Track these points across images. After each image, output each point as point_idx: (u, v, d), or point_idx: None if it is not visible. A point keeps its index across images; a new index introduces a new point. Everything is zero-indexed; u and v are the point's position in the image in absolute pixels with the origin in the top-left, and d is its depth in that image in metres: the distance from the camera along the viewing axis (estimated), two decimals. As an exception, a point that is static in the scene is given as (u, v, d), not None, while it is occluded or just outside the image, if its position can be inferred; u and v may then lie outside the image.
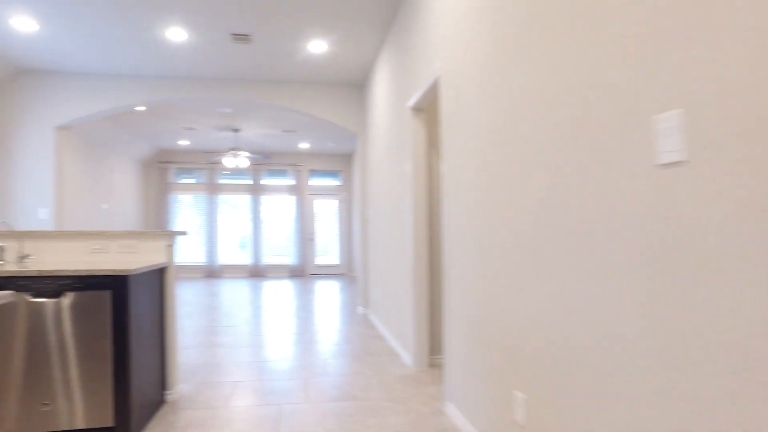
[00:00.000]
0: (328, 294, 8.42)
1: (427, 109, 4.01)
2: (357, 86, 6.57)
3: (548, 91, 1.74)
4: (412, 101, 3.76)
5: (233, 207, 12.05)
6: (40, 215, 5.94)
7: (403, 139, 4.15)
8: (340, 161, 12.23)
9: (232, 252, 11.97)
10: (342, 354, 4.30)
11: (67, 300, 2.42)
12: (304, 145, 10.92)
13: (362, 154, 6.52)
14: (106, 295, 2.44)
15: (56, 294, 2.42)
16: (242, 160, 9.35)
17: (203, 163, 11.79)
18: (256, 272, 11.77)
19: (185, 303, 7.41)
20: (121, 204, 10.12)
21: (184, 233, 3.31)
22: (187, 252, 11.79)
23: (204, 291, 8.92)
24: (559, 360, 1.68)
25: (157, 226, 11.62)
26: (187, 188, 11.82)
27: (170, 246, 3.14)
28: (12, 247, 3.02)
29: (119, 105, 6.10)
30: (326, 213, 12.29)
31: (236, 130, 9.25)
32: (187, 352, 4.34)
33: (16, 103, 5.99)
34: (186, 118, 8.29)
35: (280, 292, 8.64)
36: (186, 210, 11.87)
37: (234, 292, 8.67)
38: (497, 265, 2.18)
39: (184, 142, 10.59)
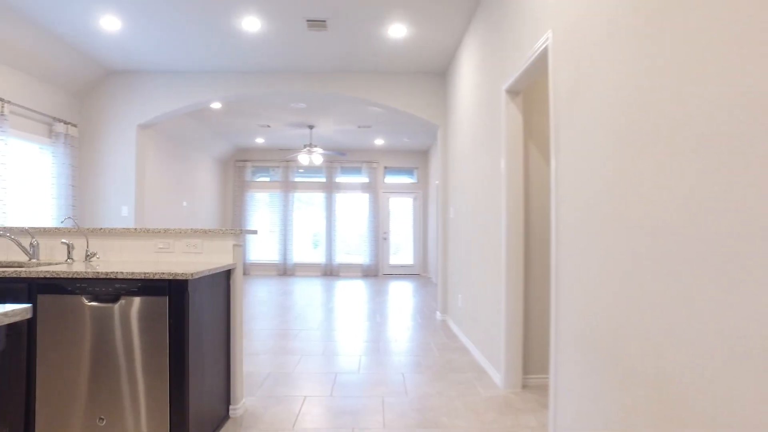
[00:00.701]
0: (403, 296, 8.03)
1: (525, 92, 3.48)
2: (438, 74, 6.11)
3: (750, 51, 1.19)
4: (507, 83, 3.25)
5: (307, 205, 12.00)
6: (123, 212, 6.01)
7: (495, 129, 3.64)
8: (416, 158, 11.82)
9: (306, 250, 11.92)
10: (421, 368, 3.87)
11: (124, 305, 2.17)
12: (378, 141, 10.61)
13: (443, 148, 6.05)
14: (163, 302, 2.16)
15: (113, 298, 2.17)
16: (316, 156, 9.18)
17: (278, 161, 11.82)
18: (329, 271, 11.63)
19: (258, 302, 7.31)
20: (200, 201, 10.32)
21: (253, 232, 3.02)
22: (262, 249, 11.88)
23: (277, 290, 8.84)
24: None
25: (234, 223, 11.80)
26: (262, 186, 11.91)
27: (238, 246, 2.85)
28: (80, 245, 2.86)
29: (196, 102, 6.04)
30: (400, 211, 11.92)
31: (311, 127, 9.10)
32: (256, 359, 4.10)
33: (104, 104, 6.10)
34: (262, 114, 8.22)
35: (353, 293, 8.37)
36: (261, 208, 11.96)
37: (306, 292, 8.51)
38: (642, 281, 1.65)
39: (260, 140, 10.63)
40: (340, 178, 11.85)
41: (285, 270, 11.63)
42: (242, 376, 2.91)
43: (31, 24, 4.74)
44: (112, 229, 2.82)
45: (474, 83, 4.40)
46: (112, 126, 6.07)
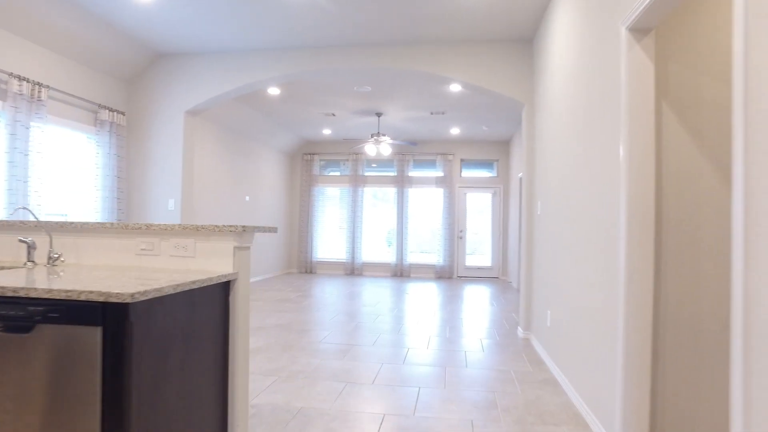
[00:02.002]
0: (479, 304, 7.02)
1: (658, 31, 2.41)
2: (523, 41, 5.06)
3: None
4: (630, 17, 2.22)
5: (378, 200, 11.27)
6: (169, 206, 5.55)
7: (607, 92, 2.61)
8: (496, 149, 10.69)
9: (375, 248, 11.20)
10: (498, 411, 2.92)
11: (39, 337, 1.45)
12: (454, 131, 9.63)
13: (528, 130, 5.00)
14: (94, 334, 1.42)
15: (27, 327, 1.46)
16: (384, 147, 8.38)
17: (347, 154, 11.18)
18: (399, 271, 10.82)
19: (318, 306, 6.64)
20: (265, 196, 9.90)
21: (271, 230, 2.24)
22: (329, 247, 11.32)
23: (342, 292, 8.15)
24: None
25: (301, 220, 11.33)
26: (331, 180, 11.33)
27: (243, 249, 2.08)
28: (47, 244, 2.23)
29: (246, 84, 5.44)
30: (478, 208, 10.85)
31: (379, 114, 8.31)
32: (291, 386, 3.34)
33: (152, 90, 5.68)
34: (324, 101, 7.55)
35: (423, 298, 7.48)
36: (330, 203, 11.39)
37: (373, 295, 7.74)
38: None
39: (327, 131, 10.03)
40: (413, 172, 10.99)
41: (353, 269, 10.98)
42: (246, 427, 2.13)
43: (69, 3, 4.32)
44: (83, 224, 2.16)
45: (574, 36, 3.36)
46: (159, 113, 5.63)
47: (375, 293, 7.95)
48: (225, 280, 1.96)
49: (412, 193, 11.04)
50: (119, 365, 1.41)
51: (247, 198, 9.12)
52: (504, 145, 10.64)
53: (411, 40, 5.12)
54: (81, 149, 5.17)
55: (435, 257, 10.87)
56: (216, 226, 2.01)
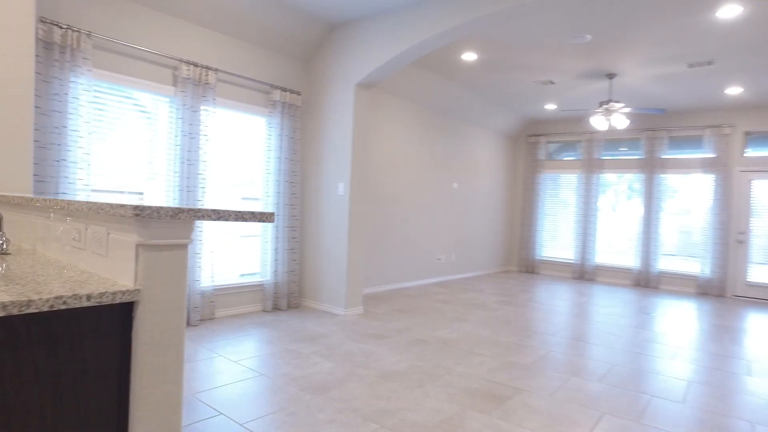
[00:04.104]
0: (764, 349, 4.65)
1: None
2: None
3: None
4: None
5: (619, 189, 9.05)
6: (338, 190, 5.05)
7: None
8: (805, 116, 7.36)
9: (612, 249, 9.03)
10: None
11: None
12: (732, 90, 6.87)
13: None
14: None
15: None
16: (618, 118, 6.41)
17: (579, 134, 9.26)
18: (644, 281, 8.46)
19: (514, 319, 5.32)
20: (479, 184, 8.89)
21: (221, 216, 1.26)
22: (556, 244, 9.61)
23: (557, 301, 6.58)
24: None
25: (524, 212, 9.91)
26: (559, 166, 9.58)
27: (158, 249, 1.15)
28: (18, 223, 1.70)
29: (420, 41, 4.48)
30: (771, 201, 7.68)
31: (611, 75, 6.38)
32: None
33: (326, 65, 5.26)
34: (535, 64, 6.08)
35: (671, 325, 5.41)
36: (557, 193, 9.66)
37: (596, 311, 5.98)
38: None
39: (549, 107, 8.38)
40: (667, 154, 8.43)
41: (582, 273, 9.08)
42: None
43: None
44: (30, 199, 1.53)
45: None
46: (332, 90, 5.15)
47: (599, 309, 6.14)
48: (98, 302, 1.05)
49: (666, 180, 8.49)
50: None
51: (455, 185, 8.24)
52: (821, 108, 7.23)
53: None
54: (253, 132, 5.03)
55: (698, 266, 8.13)
56: (105, 204, 1.12)
